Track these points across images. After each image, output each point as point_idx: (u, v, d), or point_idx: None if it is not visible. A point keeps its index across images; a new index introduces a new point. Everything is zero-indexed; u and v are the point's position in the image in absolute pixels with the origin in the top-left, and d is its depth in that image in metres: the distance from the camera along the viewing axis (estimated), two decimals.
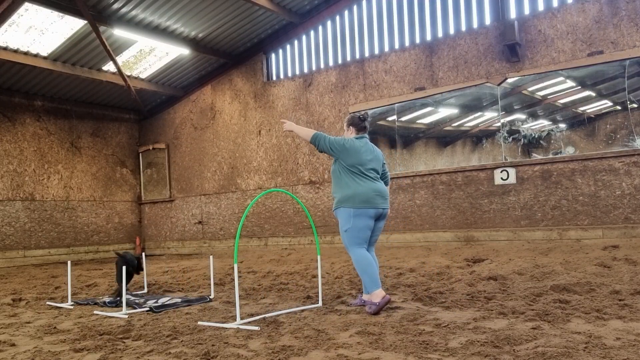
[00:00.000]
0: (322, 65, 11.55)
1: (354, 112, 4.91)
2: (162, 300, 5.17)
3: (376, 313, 4.03)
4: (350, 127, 4.61)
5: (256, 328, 3.71)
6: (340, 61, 11.30)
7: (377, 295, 4.11)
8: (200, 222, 13.50)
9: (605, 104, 8.74)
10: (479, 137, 9.72)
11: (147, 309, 4.78)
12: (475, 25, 9.57)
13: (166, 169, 14.29)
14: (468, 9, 9.65)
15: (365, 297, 4.32)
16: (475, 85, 9.44)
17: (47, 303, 5.53)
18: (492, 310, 3.89)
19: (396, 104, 10.39)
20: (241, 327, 3.80)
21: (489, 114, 9.56)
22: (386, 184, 4.64)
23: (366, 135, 4.60)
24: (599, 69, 8.43)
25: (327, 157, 11.23)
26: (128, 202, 14.61)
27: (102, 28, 10.25)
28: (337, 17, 11.30)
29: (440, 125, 10.35)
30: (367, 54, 10.91)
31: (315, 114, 11.46)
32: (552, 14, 8.74)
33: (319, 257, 4.87)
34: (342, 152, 4.39)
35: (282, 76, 12.25)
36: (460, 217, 9.54)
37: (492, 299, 4.34)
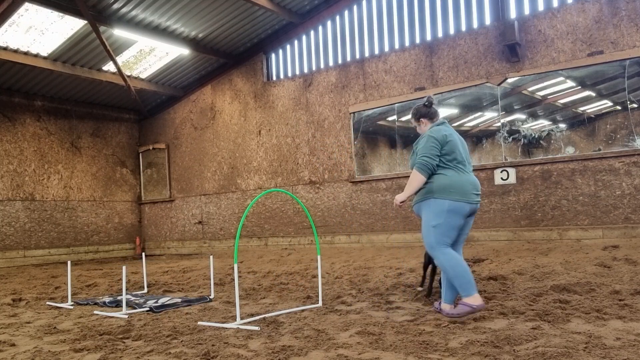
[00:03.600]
0: (322, 65, 11.55)
1: (417, 105, 4.24)
2: (162, 300, 5.17)
3: (460, 315, 3.66)
4: (422, 119, 4.15)
5: (256, 328, 3.71)
6: (340, 61, 11.29)
7: (476, 298, 3.65)
8: (200, 222, 13.50)
9: (605, 104, 8.74)
10: (479, 137, 9.72)
11: (147, 309, 4.78)
12: (475, 25, 9.57)
13: (166, 169, 14.29)
14: (468, 9, 9.65)
15: (444, 306, 3.91)
16: (475, 85, 9.44)
17: (47, 303, 5.53)
18: (492, 310, 3.89)
19: (396, 104, 10.39)
20: (241, 327, 3.80)
21: (489, 114, 9.56)
22: None
23: (444, 119, 4.11)
24: (599, 69, 8.42)
25: (327, 157, 11.22)
26: (128, 202, 14.61)
27: (102, 28, 10.24)
28: (337, 17, 11.30)
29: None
30: (367, 54, 10.90)
31: (315, 114, 11.46)
32: (552, 14, 8.74)
33: (319, 257, 4.87)
34: (445, 147, 3.87)
35: (282, 76, 12.25)
36: None
37: (492, 299, 4.34)
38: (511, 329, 3.34)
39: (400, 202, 4.00)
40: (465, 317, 3.68)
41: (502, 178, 9.10)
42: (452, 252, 3.83)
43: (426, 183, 3.88)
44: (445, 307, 3.91)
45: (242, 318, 4.04)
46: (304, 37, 11.80)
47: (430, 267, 4.72)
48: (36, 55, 10.96)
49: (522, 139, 9.11)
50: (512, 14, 9.15)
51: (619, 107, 8.39)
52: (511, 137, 9.20)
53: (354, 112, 10.90)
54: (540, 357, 2.71)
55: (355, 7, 11.04)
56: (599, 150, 8.39)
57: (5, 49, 10.47)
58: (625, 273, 5.11)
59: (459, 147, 3.95)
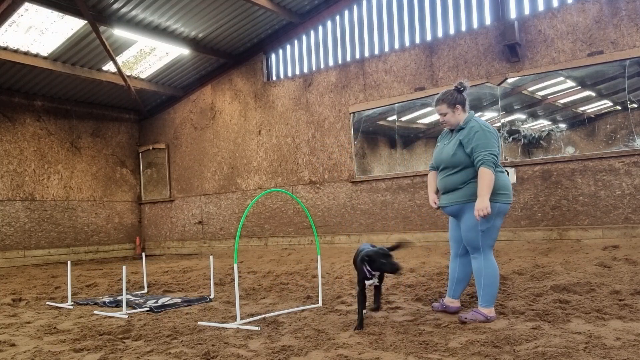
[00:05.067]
0: (322, 65, 11.55)
1: (449, 91, 3.89)
2: (162, 300, 5.17)
3: (472, 321, 3.62)
4: (458, 106, 3.82)
5: (256, 328, 3.71)
6: (340, 61, 11.29)
7: (492, 310, 3.71)
8: (200, 222, 13.49)
9: (605, 104, 8.74)
10: None
11: (147, 309, 4.78)
12: (475, 25, 9.57)
13: (166, 169, 14.29)
14: (468, 9, 9.65)
15: (447, 301, 3.90)
16: (475, 85, 9.43)
17: (47, 303, 5.53)
18: None
19: (396, 104, 10.38)
20: (241, 327, 3.80)
21: (489, 114, 9.56)
22: None
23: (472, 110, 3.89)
24: (599, 69, 8.42)
25: (327, 157, 11.22)
26: (128, 202, 14.60)
27: (102, 28, 10.24)
28: (337, 17, 11.29)
29: (440, 125, 10.34)
30: (367, 54, 10.90)
31: (315, 114, 11.45)
32: (552, 14, 8.74)
33: (319, 257, 4.88)
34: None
35: (282, 76, 12.25)
36: None
37: None
38: (511, 329, 3.34)
39: (483, 212, 3.51)
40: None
41: None
42: (494, 262, 3.78)
43: (469, 183, 3.68)
44: (454, 302, 3.90)
45: (242, 318, 4.04)
46: (304, 37, 11.80)
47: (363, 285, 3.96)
48: (36, 55, 10.96)
49: (522, 139, 9.11)
50: (512, 14, 9.14)
51: (619, 107, 8.39)
52: (511, 137, 9.20)
53: (354, 112, 10.90)
54: (540, 357, 2.71)
55: (355, 7, 11.04)
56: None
57: (5, 49, 10.47)
58: (625, 273, 5.10)
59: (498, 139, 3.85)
